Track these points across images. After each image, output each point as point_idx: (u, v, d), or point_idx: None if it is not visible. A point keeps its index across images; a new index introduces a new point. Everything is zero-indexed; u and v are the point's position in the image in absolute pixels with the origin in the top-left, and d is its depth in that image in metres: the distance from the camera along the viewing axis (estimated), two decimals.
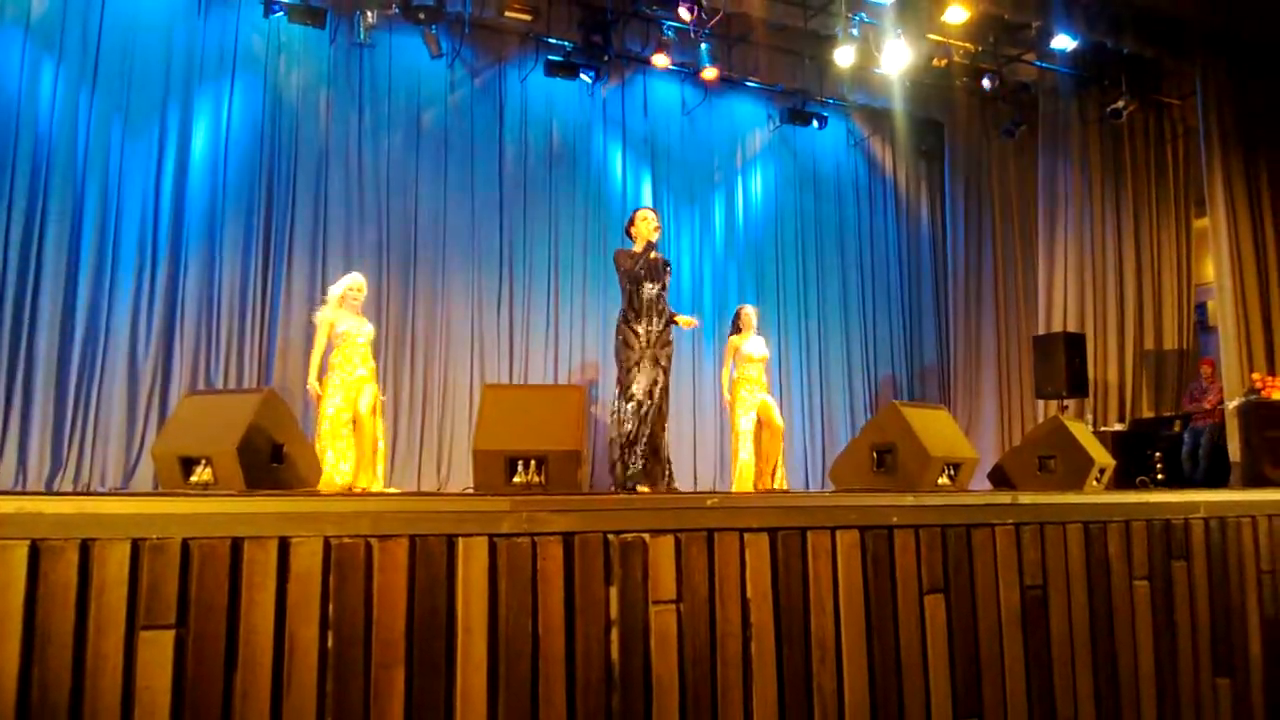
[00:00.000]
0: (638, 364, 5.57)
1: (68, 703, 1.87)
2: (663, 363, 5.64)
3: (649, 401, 5.51)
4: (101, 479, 7.86)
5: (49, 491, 7.22)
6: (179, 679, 1.94)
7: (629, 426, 5.48)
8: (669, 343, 5.75)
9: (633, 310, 5.69)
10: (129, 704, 1.91)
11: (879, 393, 11.69)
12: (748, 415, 7.62)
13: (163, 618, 1.95)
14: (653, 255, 5.77)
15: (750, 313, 8.01)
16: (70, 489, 7.57)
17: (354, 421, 6.38)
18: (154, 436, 7.74)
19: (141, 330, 8.23)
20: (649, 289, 5.69)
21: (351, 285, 6.54)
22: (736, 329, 7.95)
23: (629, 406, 5.51)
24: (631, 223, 5.96)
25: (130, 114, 8.36)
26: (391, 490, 6.56)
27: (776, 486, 7.73)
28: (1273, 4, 9.28)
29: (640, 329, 5.64)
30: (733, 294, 10.86)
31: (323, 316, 6.41)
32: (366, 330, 6.41)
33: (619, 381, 5.70)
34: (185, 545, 1.98)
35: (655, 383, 5.57)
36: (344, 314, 6.40)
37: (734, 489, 7.74)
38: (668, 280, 5.89)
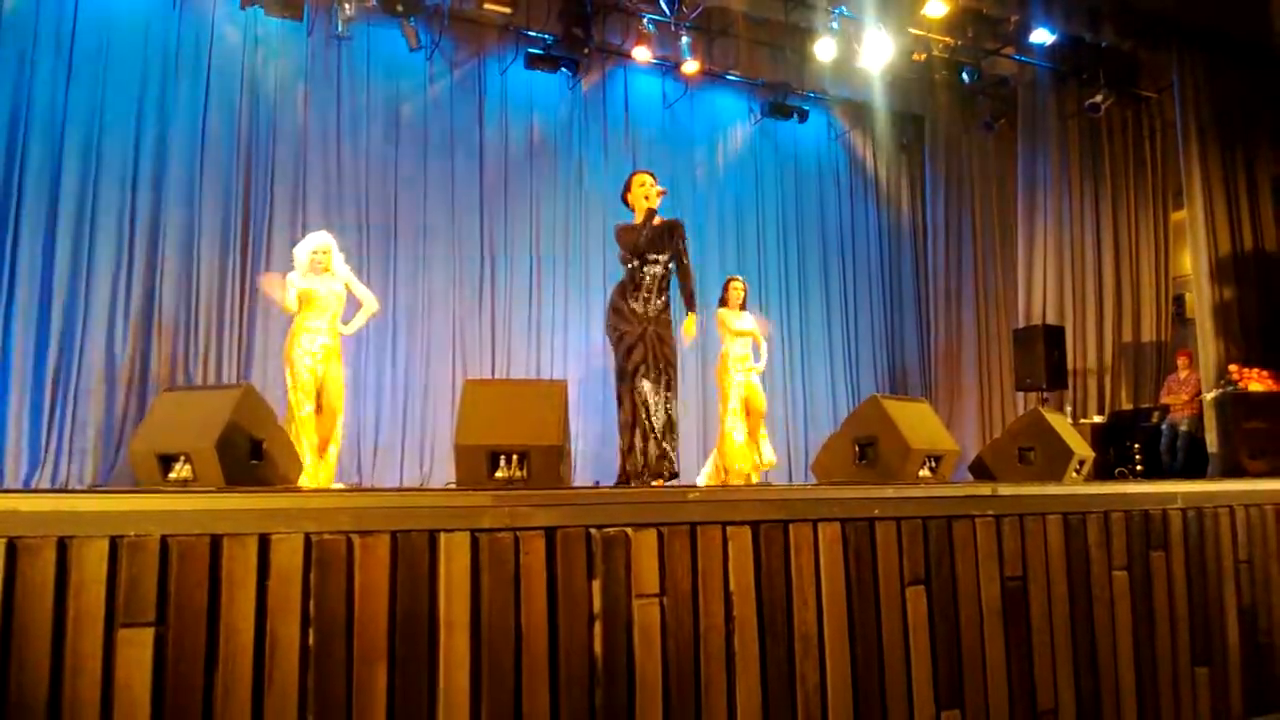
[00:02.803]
0: (637, 342, 4.90)
1: (46, 702, 1.86)
2: (669, 338, 4.99)
3: (653, 386, 4.88)
4: (79, 476, 7.79)
5: (26, 489, 7.15)
6: (159, 677, 1.93)
7: (639, 414, 4.84)
8: (669, 325, 5.06)
9: (632, 284, 5.00)
10: (108, 703, 1.89)
11: (860, 386, 11.73)
12: (735, 397, 7.41)
13: (142, 616, 1.93)
14: (656, 221, 5.02)
15: (738, 286, 7.77)
16: (48, 486, 7.51)
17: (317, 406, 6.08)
18: (132, 433, 7.67)
19: (119, 326, 8.15)
20: (652, 264, 5.01)
21: (317, 249, 6.23)
22: (723, 302, 7.73)
23: (640, 390, 4.85)
24: (627, 189, 5.18)
25: (106, 107, 8.27)
26: (339, 486, 6.32)
27: (763, 463, 7.53)
28: None
29: (638, 305, 4.97)
30: (714, 287, 10.85)
31: (289, 280, 6.18)
32: (333, 289, 6.18)
33: (617, 366, 5.02)
34: (164, 542, 1.97)
35: (660, 361, 4.92)
36: (311, 276, 6.18)
37: (723, 464, 7.45)
38: (681, 247, 5.11)
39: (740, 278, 8.02)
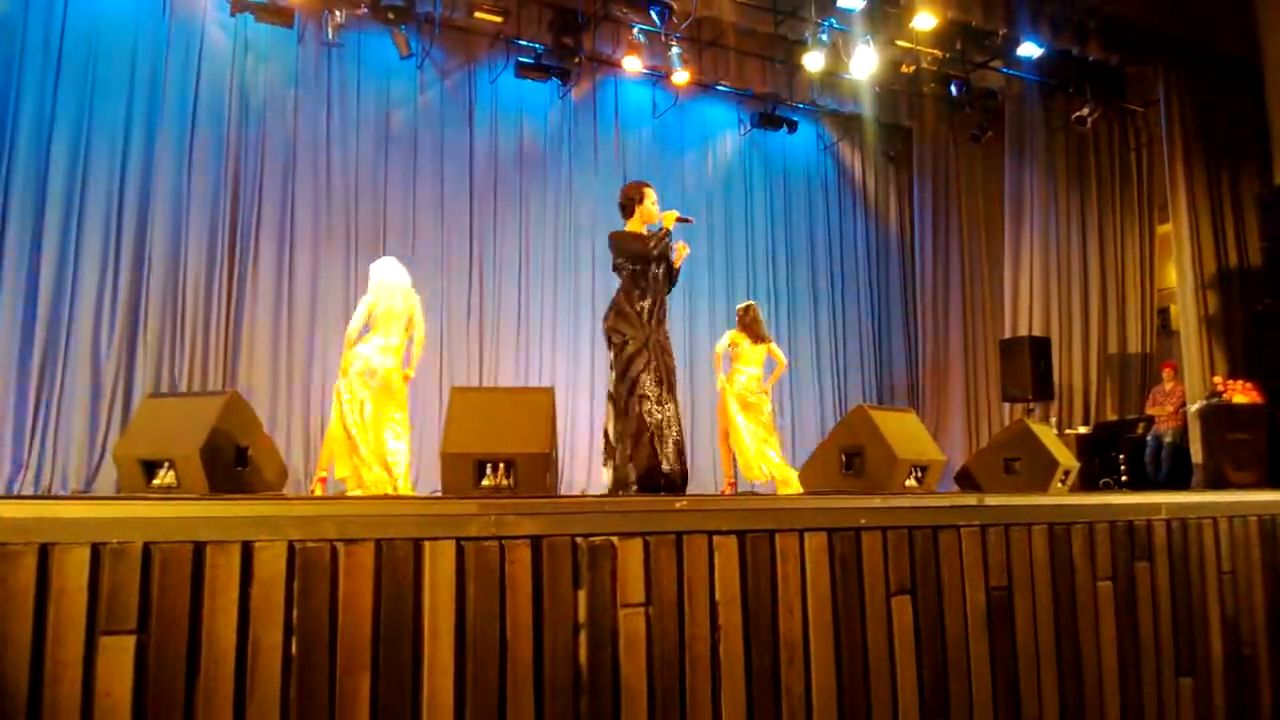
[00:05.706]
0: (641, 349, 4.78)
1: (25, 709, 1.84)
2: (670, 348, 4.94)
3: (659, 398, 4.77)
4: (62, 482, 7.73)
5: (8, 495, 7.10)
6: (140, 685, 1.91)
7: (642, 425, 4.70)
8: (668, 336, 5.01)
9: (637, 289, 4.90)
10: (89, 711, 1.88)
11: (847, 395, 11.76)
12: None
13: (123, 623, 1.92)
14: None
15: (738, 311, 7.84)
16: (30, 492, 7.45)
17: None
18: (116, 439, 7.62)
19: (104, 330, 8.10)
20: (654, 269, 4.94)
21: None
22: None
23: (646, 402, 4.72)
24: (639, 200, 5.04)
25: (94, 112, 8.24)
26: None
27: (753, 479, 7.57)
28: (1234, 13, 9.45)
29: (643, 310, 4.87)
30: (701, 298, 10.89)
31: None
32: (390, 304, 6.20)
33: (617, 371, 4.86)
34: (147, 549, 1.95)
35: (663, 371, 4.82)
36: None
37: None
38: (671, 260, 5.06)
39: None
